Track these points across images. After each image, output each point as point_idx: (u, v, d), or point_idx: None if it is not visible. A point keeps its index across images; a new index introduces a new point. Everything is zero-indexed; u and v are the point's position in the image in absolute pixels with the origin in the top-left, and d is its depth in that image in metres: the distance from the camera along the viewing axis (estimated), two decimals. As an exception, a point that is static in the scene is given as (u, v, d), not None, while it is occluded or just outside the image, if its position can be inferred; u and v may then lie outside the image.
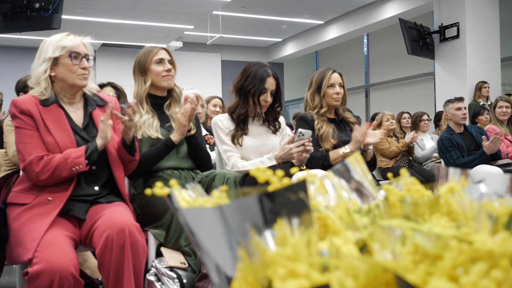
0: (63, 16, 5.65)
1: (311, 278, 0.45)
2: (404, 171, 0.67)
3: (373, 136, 2.83)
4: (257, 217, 0.50)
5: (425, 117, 6.10)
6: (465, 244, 0.44)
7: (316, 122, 2.95)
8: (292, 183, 0.52)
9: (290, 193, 0.50)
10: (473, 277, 0.38)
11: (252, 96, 2.65)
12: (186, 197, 0.65)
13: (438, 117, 6.89)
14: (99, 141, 2.02)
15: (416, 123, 6.10)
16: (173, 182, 0.67)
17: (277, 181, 0.59)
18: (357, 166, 0.72)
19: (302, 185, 0.50)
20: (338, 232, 0.58)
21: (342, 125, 3.08)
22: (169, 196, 0.62)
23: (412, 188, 0.67)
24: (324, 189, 0.72)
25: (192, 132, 2.47)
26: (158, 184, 0.67)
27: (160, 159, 2.40)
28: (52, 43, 2.05)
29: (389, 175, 0.77)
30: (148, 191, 0.68)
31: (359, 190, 0.72)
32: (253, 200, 0.50)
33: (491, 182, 0.66)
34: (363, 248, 0.56)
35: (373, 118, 6.20)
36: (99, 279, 2.93)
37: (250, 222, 0.50)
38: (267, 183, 0.63)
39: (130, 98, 2.64)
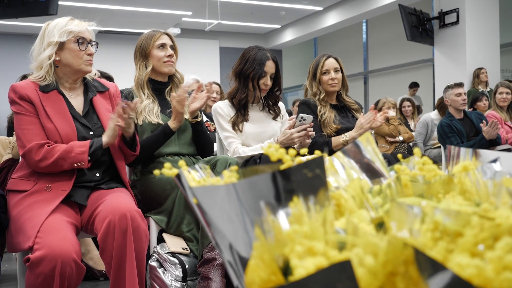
0: (60, 2, 5.60)
1: (328, 256, 0.44)
2: (417, 150, 0.66)
3: (375, 122, 2.82)
4: (272, 195, 0.49)
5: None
6: (486, 221, 0.43)
7: (318, 108, 2.95)
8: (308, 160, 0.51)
9: (306, 170, 0.49)
10: (499, 252, 0.38)
11: (252, 80, 2.63)
12: (195, 177, 0.64)
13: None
14: (105, 139, 2.00)
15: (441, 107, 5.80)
16: (182, 163, 0.66)
17: (290, 160, 0.58)
18: (368, 145, 0.71)
19: (319, 162, 0.49)
20: (352, 211, 0.57)
21: (344, 111, 3.07)
22: (178, 176, 0.61)
23: (424, 167, 0.67)
24: (334, 169, 0.72)
25: (199, 119, 2.46)
26: (167, 165, 0.66)
27: (159, 146, 2.39)
28: (58, 27, 2.02)
29: (399, 156, 0.76)
30: (156, 172, 0.67)
31: (370, 170, 0.72)
32: (268, 177, 0.49)
33: (505, 162, 0.65)
34: (377, 227, 0.55)
35: (377, 105, 6.13)
36: (102, 271, 2.92)
37: (265, 199, 0.49)
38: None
39: (126, 85, 2.61)
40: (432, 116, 5.78)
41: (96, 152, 1.97)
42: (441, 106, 5.84)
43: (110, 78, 3.85)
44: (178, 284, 2.09)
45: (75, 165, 1.93)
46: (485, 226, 0.42)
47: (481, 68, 7.13)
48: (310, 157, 0.70)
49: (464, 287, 0.37)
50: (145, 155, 2.36)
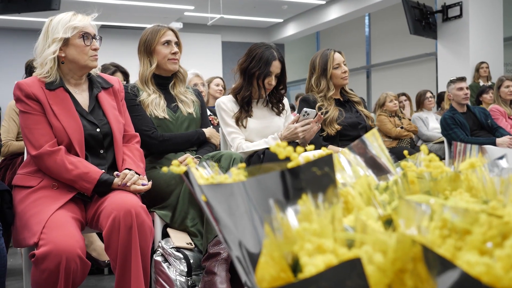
0: (62, -3, 5.60)
1: (338, 254, 0.44)
2: (424, 147, 0.66)
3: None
4: (281, 193, 0.49)
5: (428, 94, 6.10)
6: (495, 218, 0.43)
7: (320, 104, 2.94)
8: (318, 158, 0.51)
9: (315, 168, 0.49)
10: (508, 250, 0.38)
11: (257, 79, 2.62)
12: (203, 174, 0.65)
13: (440, 97, 6.86)
14: (117, 181, 1.99)
15: (420, 101, 6.11)
16: (190, 160, 0.66)
17: (297, 157, 0.58)
18: (374, 142, 0.72)
19: (327, 160, 0.50)
20: (359, 208, 0.58)
21: (348, 105, 3.07)
22: (186, 173, 0.61)
23: (431, 164, 0.67)
24: (340, 166, 0.72)
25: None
26: (175, 162, 0.66)
27: (188, 147, 2.49)
28: (62, 23, 2.01)
29: (405, 152, 0.76)
30: (165, 169, 0.68)
31: (376, 166, 0.72)
32: (277, 175, 0.49)
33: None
34: (385, 224, 0.56)
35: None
36: (106, 262, 2.95)
37: (274, 197, 0.49)
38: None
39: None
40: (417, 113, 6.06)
41: (103, 188, 1.97)
42: (418, 102, 6.07)
43: (125, 74, 3.86)
44: (183, 279, 2.10)
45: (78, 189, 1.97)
46: (494, 223, 0.43)
47: (482, 63, 7.11)
48: (316, 152, 0.71)
49: (473, 284, 0.37)
50: (172, 148, 2.45)
